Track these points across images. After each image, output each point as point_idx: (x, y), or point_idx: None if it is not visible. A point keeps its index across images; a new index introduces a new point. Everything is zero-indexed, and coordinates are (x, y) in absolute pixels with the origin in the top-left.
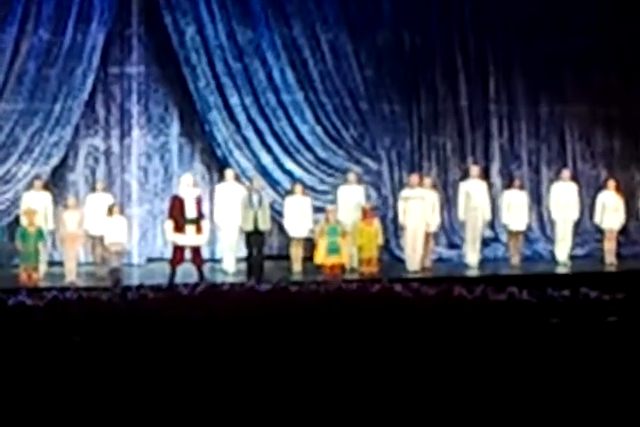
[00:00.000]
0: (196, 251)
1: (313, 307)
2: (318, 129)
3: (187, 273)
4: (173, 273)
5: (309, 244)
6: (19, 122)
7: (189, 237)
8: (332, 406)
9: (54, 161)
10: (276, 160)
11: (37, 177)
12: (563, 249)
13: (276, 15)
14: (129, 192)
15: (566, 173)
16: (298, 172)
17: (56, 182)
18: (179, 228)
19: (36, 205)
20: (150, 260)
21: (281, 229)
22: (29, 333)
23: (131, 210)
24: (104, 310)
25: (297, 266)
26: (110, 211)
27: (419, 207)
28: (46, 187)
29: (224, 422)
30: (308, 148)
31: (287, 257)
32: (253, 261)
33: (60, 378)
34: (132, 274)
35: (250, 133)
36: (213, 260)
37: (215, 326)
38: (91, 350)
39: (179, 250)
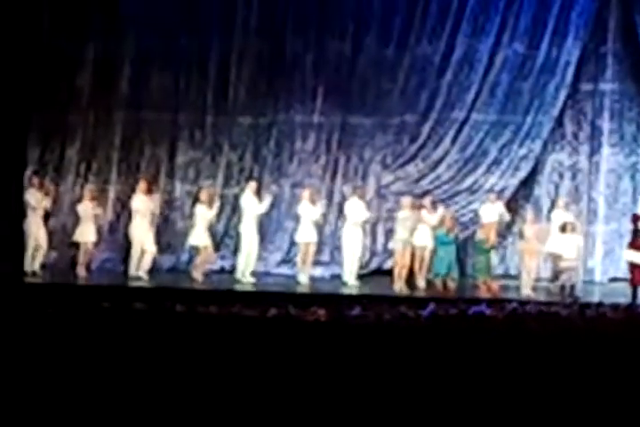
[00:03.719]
0: None
1: None
2: None
3: None
4: (635, 293)
5: None
6: (489, 133)
7: None
8: None
9: (521, 174)
10: None
11: (502, 190)
12: None
13: None
14: (595, 209)
15: None
16: None
17: (522, 195)
18: (636, 246)
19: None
20: (613, 279)
21: None
22: (490, 342)
23: (596, 227)
24: (562, 325)
25: None
26: (564, 228)
27: None
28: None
29: None
30: None
31: None
32: None
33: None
34: (592, 292)
35: None
36: None
37: None
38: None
39: (637, 269)
